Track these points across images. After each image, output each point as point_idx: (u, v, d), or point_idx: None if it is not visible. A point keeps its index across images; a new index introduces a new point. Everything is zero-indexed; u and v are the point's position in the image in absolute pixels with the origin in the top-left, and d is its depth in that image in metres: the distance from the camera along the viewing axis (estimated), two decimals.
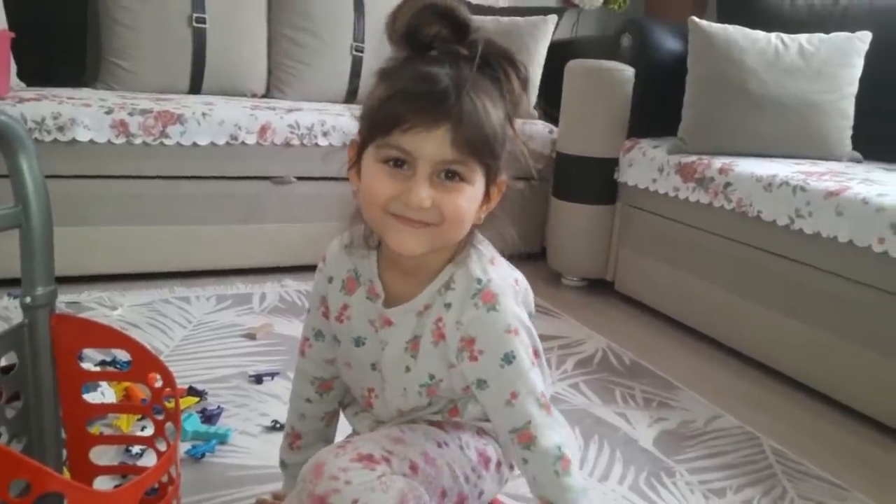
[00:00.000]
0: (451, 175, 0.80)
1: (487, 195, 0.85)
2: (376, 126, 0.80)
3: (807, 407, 1.73)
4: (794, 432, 1.60)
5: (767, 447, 1.50)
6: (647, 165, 2.23)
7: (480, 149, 0.79)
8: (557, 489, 0.86)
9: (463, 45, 0.79)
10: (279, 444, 1.12)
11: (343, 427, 1.12)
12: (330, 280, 0.97)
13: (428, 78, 0.77)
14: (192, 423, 1.35)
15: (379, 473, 0.83)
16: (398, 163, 0.79)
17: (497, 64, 0.81)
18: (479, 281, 0.87)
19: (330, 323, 0.99)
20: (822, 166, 2.00)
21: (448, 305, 0.88)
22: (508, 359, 0.86)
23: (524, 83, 0.83)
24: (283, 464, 1.11)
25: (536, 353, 0.91)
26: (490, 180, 0.84)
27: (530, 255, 2.65)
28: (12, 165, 0.76)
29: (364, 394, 1.00)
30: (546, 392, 0.90)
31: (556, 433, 0.87)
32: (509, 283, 0.91)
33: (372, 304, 0.93)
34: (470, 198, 0.82)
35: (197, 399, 1.46)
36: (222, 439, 1.33)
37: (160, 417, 0.88)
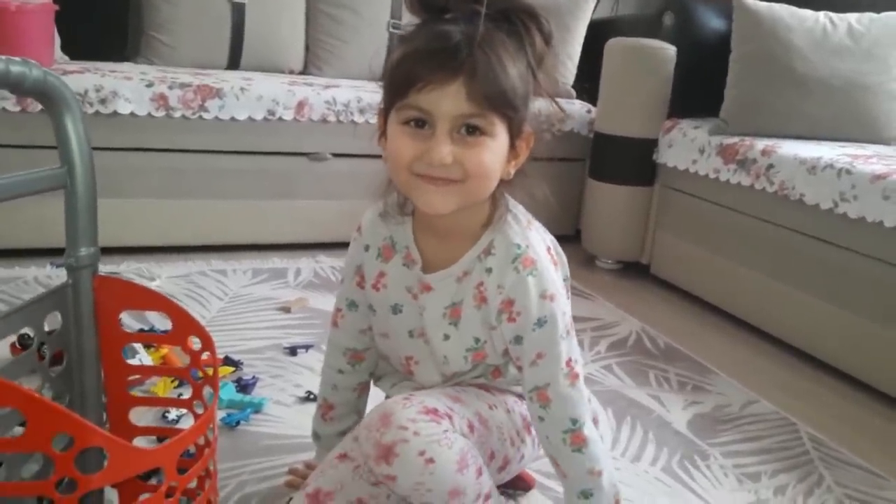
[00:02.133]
0: (472, 129, 0.80)
1: (514, 149, 0.85)
2: (394, 89, 0.81)
3: (845, 394, 1.70)
4: (832, 419, 1.57)
5: (804, 433, 1.48)
6: (687, 146, 2.19)
7: (498, 101, 0.79)
8: (564, 455, 0.91)
9: (479, 4, 0.79)
10: (312, 415, 1.13)
11: (374, 399, 1.13)
12: (366, 248, 0.98)
13: (440, 35, 0.78)
14: (228, 392, 1.37)
15: (444, 428, 0.85)
16: (419, 123, 0.80)
17: (516, 18, 0.81)
18: (519, 246, 0.88)
19: (365, 292, 0.99)
20: (870, 149, 1.95)
21: (489, 270, 0.89)
22: (541, 322, 0.87)
23: (547, 37, 0.83)
24: (315, 435, 1.12)
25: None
26: (514, 134, 0.83)
27: (565, 237, 2.62)
28: (58, 127, 0.77)
29: (402, 362, 1.00)
30: (577, 363, 0.90)
31: (575, 406, 0.90)
32: (545, 249, 0.91)
33: (409, 270, 0.94)
34: (493, 151, 0.81)
35: (232, 369, 1.48)
36: (257, 408, 1.34)
37: (198, 381, 0.89)
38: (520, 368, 0.92)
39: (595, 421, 0.93)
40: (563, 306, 0.90)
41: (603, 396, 1.54)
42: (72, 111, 0.76)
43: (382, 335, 1.01)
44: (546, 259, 0.90)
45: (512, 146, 0.84)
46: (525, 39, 0.81)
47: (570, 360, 0.90)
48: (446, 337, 0.93)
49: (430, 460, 0.82)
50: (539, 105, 0.86)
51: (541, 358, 0.89)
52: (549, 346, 0.88)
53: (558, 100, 0.88)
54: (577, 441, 0.90)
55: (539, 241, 0.91)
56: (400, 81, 0.79)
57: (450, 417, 0.87)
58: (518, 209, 0.92)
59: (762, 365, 1.83)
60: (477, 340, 0.93)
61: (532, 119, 0.85)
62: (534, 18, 0.82)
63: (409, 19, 0.84)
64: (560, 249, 0.97)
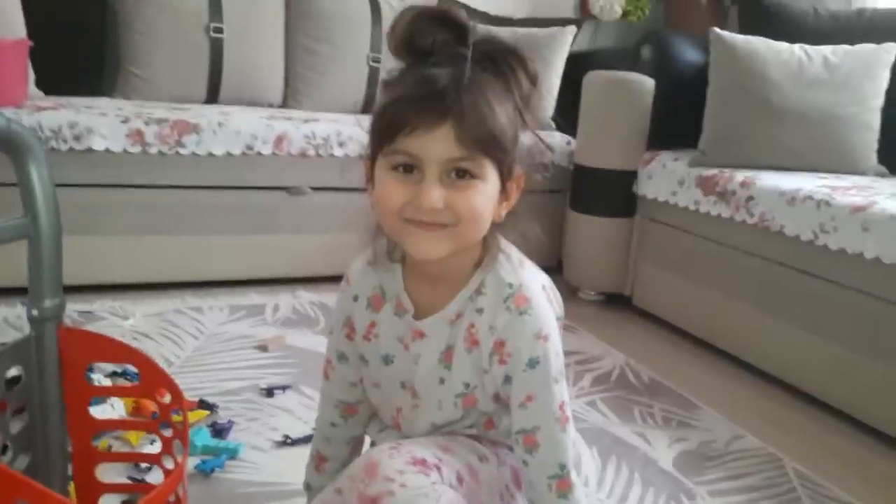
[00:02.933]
0: (462, 173, 0.78)
1: (505, 191, 0.84)
2: (381, 134, 0.79)
3: (832, 427, 1.69)
4: (819, 454, 1.55)
5: (790, 469, 1.46)
6: (666, 178, 2.19)
7: (488, 144, 0.78)
8: (548, 502, 0.87)
9: (464, 47, 0.78)
10: (290, 460, 1.11)
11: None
12: (355, 299, 0.94)
13: (427, 80, 0.77)
14: (202, 438, 1.33)
15: (432, 480, 0.82)
16: (407, 168, 0.78)
17: (502, 60, 0.80)
18: (511, 285, 0.86)
19: (355, 343, 0.96)
20: (848, 180, 1.96)
21: (480, 311, 0.86)
22: (533, 363, 0.85)
23: (533, 79, 0.82)
24: (307, 486, 1.08)
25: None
26: (504, 176, 0.82)
27: (547, 269, 2.60)
28: (22, 175, 0.74)
29: (392, 414, 0.97)
30: (568, 406, 0.88)
31: (564, 451, 0.87)
32: (539, 287, 0.89)
33: (400, 319, 0.91)
34: (484, 194, 0.80)
35: (207, 412, 1.44)
36: (232, 454, 1.30)
37: (168, 434, 0.86)
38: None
39: (578, 460, 0.91)
40: (557, 347, 0.87)
41: (588, 434, 1.52)
42: (36, 159, 0.73)
43: (374, 385, 0.98)
44: (541, 297, 0.87)
45: (503, 188, 0.83)
46: (511, 81, 0.80)
47: (562, 403, 0.87)
48: (441, 381, 0.90)
49: None
50: (526, 145, 0.85)
51: (531, 400, 0.86)
52: (541, 389, 0.86)
53: (543, 137, 0.87)
54: (563, 487, 0.87)
55: (532, 280, 0.89)
56: (386, 126, 0.78)
57: (438, 469, 0.84)
58: (510, 249, 0.90)
59: (746, 397, 1.82)
60: (466, 385, 0.90)
61: (521, 160, 0.84)
62: (519, 61, 0.81)
63: (393, 64, 0.83)
64: (556, 289, 0.95)
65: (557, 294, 0.96)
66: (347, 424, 1.03)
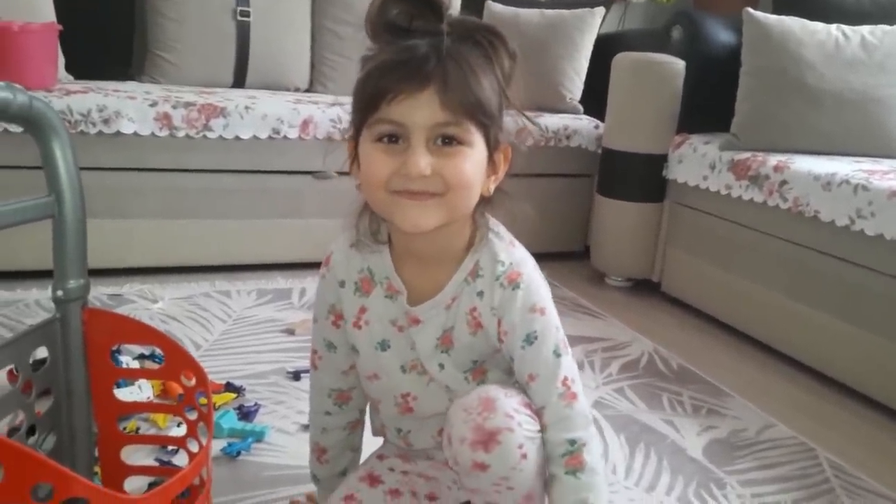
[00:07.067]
0: (448, 140, 0.77)
1: (493, 162, 0.82)
2: (364, 106, 0.77)
3: (866, 417, 1.65)
4: (852, 444, 1.52)
5: (824, 459, 1.43)
6: (697, 162, 2.15)
7: (473, 109, 0.76)
8: (557, 478, 0.85)
9: (441, 24, 0.77)
10: (308, 458, 1.09)
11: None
12: (342, 284, 0.91)
13: (407, 49, 0.76)
14: (229, 421, 1.33)
15: (538, 427, 0.83)
16: (392, 138, 0.77)
17: (481, 37, 0.79)
18: (503, 263, 0.85)
19: (345, 331, 0.93)
20: (885, 164, 1.90)
21: (480, 294, 0.85)
22: (530, 339, 0.84)
23: (513, 55, 0.80)
24: (314, 477, 1.07)
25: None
26: (491, 145, 0.81)
27: (573, 254, 2.59)
28: (46, 154, 0.74)
29: (398, 401, 0.94)
30: (575, 382, 0.86)
31: (572, 428, 0.85)
32: (531, 264, 0.88)
33: (392, 302, 0.89)
34: (472, 160, 0.78)
35: (234, 395, 1.44)
36: (258, 437, 1.31)
37: (193, 417, 0.86)
38: None
39: (594, 439, 0.87)
40: (555, 321, 0.86)
41: (615, 421, 1.50)
42: (60, 137, 0.73)
43: (371, 377, 0.94)
44: (533, 272, 0.87)
45: (490, 159, 0.81)
46: (492, 54, 0.79)
47: (565, 378, 0.85)
48: (441, 367, 0.89)
49: (525, 456, 0.80)
50: (512, 121, 0.84)
51: (533, 380, 0.85)
52: (542, 367, 0.84)
53: (528, 114, 0.85)
54: (574, 463, 0.84)
55: (524, 256, 0.88)
56: (369, 97, 0.76)
57: (535, 418, 0.84)
58: (500, 228, 0.89)
59: (778, 386, 1.78)
60: (475, 362, 0.90)
61: (507, 133, 0.83)
62: (498, 37, 0.79)
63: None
64: (541, 273, 0.92)
65: (544, 278, 0.93)
66: (342, 412, 1.01)
